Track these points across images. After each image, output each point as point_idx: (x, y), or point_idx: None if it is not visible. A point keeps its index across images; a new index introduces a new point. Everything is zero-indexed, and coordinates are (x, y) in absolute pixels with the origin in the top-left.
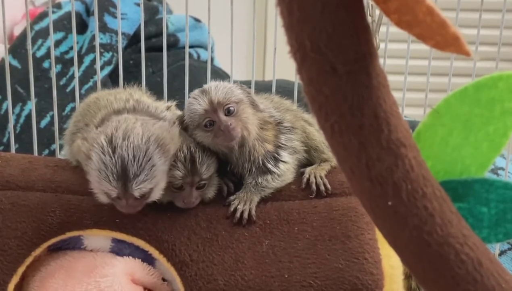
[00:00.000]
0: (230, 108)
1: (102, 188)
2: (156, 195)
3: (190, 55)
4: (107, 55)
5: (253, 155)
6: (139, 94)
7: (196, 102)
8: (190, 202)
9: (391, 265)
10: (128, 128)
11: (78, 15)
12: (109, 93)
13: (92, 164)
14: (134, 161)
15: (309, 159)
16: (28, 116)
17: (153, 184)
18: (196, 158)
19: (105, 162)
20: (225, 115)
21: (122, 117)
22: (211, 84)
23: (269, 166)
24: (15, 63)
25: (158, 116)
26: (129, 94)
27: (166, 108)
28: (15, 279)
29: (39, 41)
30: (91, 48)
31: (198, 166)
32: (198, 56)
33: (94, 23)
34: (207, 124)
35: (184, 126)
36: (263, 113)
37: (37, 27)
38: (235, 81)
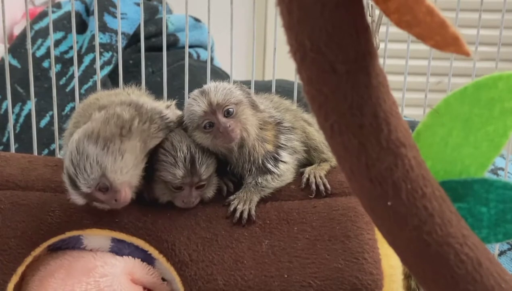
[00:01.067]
0: (229, 109)
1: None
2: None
3: (190, 55)
4: (107, 55)
5: (253, 155)
6: (138, 95)
7: (195, 103)
8: (190, 202)
9: (391, 265)
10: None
11: (78, 14)
12: (108, 94)
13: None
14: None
15: (308, 159)
16: (28, 116)
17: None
18: (195, 158)
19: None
20: (224, 116)
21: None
22: (211, 85)
23: (269, 166)
24: (14, 62)
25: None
26: (127, 95)
27: (165, 107)
28: (14, 279)
29: (39, 41)
30: (90, 48)
31: (197, 166)
32: (198, 56)
33: (93, 23)
34: (206, 126)
35: (183, 127)
36: (263, 114)
37: (36, 27)
38: (235, 81)
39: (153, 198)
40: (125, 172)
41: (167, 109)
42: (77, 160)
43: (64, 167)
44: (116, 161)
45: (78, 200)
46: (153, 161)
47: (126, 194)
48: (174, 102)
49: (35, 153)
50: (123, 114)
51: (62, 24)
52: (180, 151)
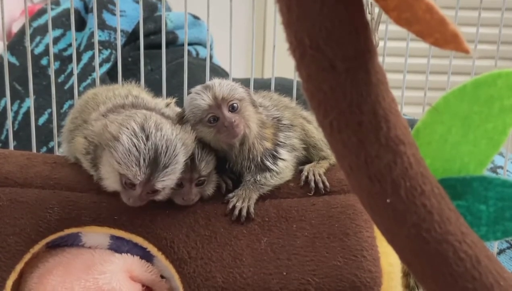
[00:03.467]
0: (234, 104)
1: (126, 171)
2: (164, 194)
3: (189, 53)
4: (106, 53)
5: (252, 152)
6: (138, 91)
7: (199, 97)
8: (190, 199)
9: (390, 262)
10: (158, 121)
11: (77, 12)
12: (107, 89)
13: (120, 146)
14: (166, 152)
15: (307, 156)
16: (26, 114)
17: (173, 181)
18: (195, 154)
19: (138, 146)
20: (229, 111)
21: (144, 111)
22: (214, 81)
23: (268, 163)
24: (13, 60)
25: (159, 112)
26: (128, 90)
27: (165, 105)
28: (13, 276)
29: (37, 38)
30: (89, 45)
31: (197, 162)
32: (197, 54)
33: (92, 20)
34: (211, 120)
35: (183, 122)
36: (261, 115)
37: (35, 24)
38: (234, 79)
39: None
40: (169, 189)
41: (167, 107)
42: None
43: (151, 144)
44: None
45: (114, 184)
46: None
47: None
48: (174, 100)
49: (34, 150)
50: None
51: (60, 21)
52: None
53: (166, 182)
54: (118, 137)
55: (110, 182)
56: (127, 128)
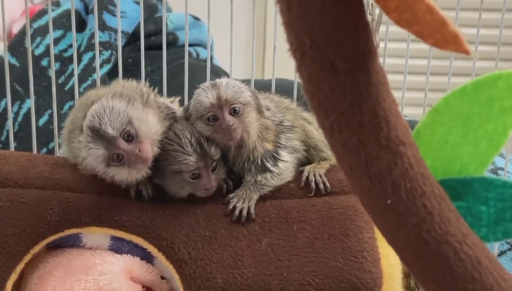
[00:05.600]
0: (236, 108)
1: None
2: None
3: (189, 54)
4: (106, 54)
5: (252, 154)
6: None
7: (204, 94)
8: (212, 187)
9: (390, 263)
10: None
11: (77, 13)
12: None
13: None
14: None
15: (308, 157)
16: (26, 115)
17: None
18: (202, 141)
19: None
20: (230, 114)
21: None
22: (223, 80)
23: (268, 165)
24: (13, 61)
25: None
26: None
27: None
28: (13, 277)
29: (38, 39)
30: (89, 46)
31: (207, 148)
32: (197, 55)
33: (92, 21)
34: (210, 119)
35: (187, 115)
36: (266, 120)
37: (35, 25)
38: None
39: (158, 196)
40: (149, 127)
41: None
42: (102, 111)
43: (85, 126)
44: (141, 115)
45: (99, 152)
46: (160, 159)
47: (149, 149)
48: (177, 98)
49: (34, 151)
50: (140, 86)
51: (61, 22)
52: (184, 137)
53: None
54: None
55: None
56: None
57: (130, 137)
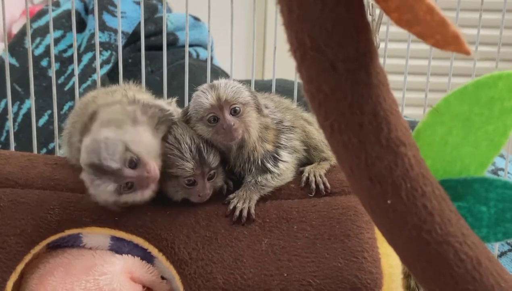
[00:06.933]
0: (236, 108)
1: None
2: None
3: (189, 54)
4: (106, 54)
5: (252, 155)
6: (135, 91)
7: (203, 95)
8: (206, 194)
9: (390, 264)
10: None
11: (77, 13)
12: (105, 92)
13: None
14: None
15: (308, 157)
16: (26, 115)
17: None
18: (201, 148)
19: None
20: (230, 114)
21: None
22: (221, 81)
23: (269, 165)
24: (13, 61)
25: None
26: (124, 91)
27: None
28: (14, 277)
29: (37, 40)
30: (89, 47)
31: (205, 156)
32: (197, 55)
33: (92, 22)
34: (211, 120)
35: (187, 118)
36: (266, 119)
37: (35, 25)
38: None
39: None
40: (147, 146)
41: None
42: (97, 146)
43: (84, 165)
44: (134, 136)
45: (108, 186)
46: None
47: (155, 167)
48: (174, 99)
49: (35, 151)
50: (125, 107)
51: (60, 22)
52: (184, 143)
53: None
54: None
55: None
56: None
57: (133, 164)
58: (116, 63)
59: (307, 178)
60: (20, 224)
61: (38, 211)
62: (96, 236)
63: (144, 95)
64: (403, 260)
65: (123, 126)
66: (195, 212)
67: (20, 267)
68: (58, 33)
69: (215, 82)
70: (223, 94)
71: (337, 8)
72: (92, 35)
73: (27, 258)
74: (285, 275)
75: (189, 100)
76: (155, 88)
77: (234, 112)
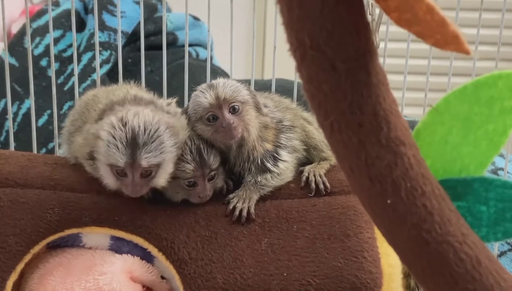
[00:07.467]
0: (235, 106)
1: (110, 160)
2: (161, 179)
3: (189, 54)
4: (105, 54)
5: (252, 154)
6: (136, 90)
7: (202, 95)
8: (206, 195)
9: (390, 263)
10: (138, 110)
11: (76, 13)
12: (106, 90)
13: (101, 143)
14: (144, 132)
15: (308, 157)
16: (26, 115)
17: (161, 159)
18: (202, 149)
19: (115, 134)
20: (229, 112)
21: (128, 107)
22: (219, 81)
23: (268, 165)
24: (12, 61)
25: (162, 108)
26: (126, 90)
27: (166, 104)
28: (13, 277)
29: (37, 39)
30: (89, 47)
31: (205, 157)
32: (197, 55)
33: (92, 21)
34: (210, 119)
35: (186, 118)
36: (265, 118)
37: (34, 25)
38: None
39: (159, 198)
40: (166, 173)
41: (168, 106)
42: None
43: (128, 128)
44: (170, 164)
45: (111, 180)
46: None
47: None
48: (174, 100)
49: (34, 151)
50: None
51: (60, 22)
52: (184, 144)
53: (151, 158)
54: (99, 135)
55: (108, 180)
56: (107, 124)
57: (146, 177)
58: (116, 63)
59: (307, 178)
60: (19, 223)
61: (37, 210)
62: (96, 235)
63: (144, 94)
64: (403, 259)
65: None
66: (194, 212)
67: (20, 267)
68: (58, 32)
69: (213, 81)
70: (222, 93)
71: (337, 8)
72: (92, 35)
73: (27, 257)
74: (285, 274)
75: (189, 100)
76: (154, 88)
77: (233, 111)
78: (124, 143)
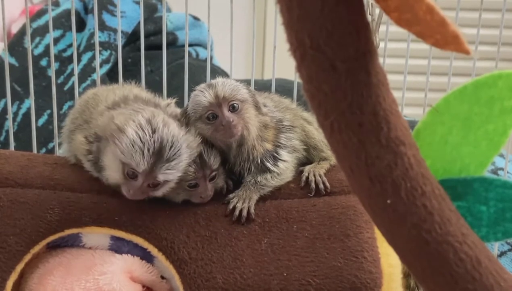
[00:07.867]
0: (235, 105)
1: (129, 160)
2: (163, 191)
3: (189, 54)
4: (105, 54)
5: (252, 154)
6: (138, 90)
7: (201, 94)
8: (207, 196)
9: (390, 263)
10: (165, 119)
11: (76, 13)
12: (107, 89)
13: (125, 137)
14: (171, 147)
15: (308, 157)
16: (25, 115)
17: (175, 177)
18: (202, 150)
19: (143, 137)
20: (229, 111)
21: (152, 109)
22: (218, 80)
23: (268, 165)
24: (12, 61)
25: (163, 108)
26: (128, 90)
27: (165, 105)
28: (13, 277)
29: (37, 39)
30: (89, 46)
31: (206, 158)
32: (197, 55)
33: (92, 21)
34: (210, 117)
35: (185, 118)
36: (265, 117)
37: (34, 25)
38: (236, 80)
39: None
40: (170, 186)
41: (167, 107)
42: None
43: (157, 136)
44: (176, 180)
45: (117, 175)
46: None
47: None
48: (174, 100)
49: (34, 151)
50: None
51: (60, 22)
52: None
53: (168, 175)
54: (124, 129)
55: (112, 172)
56: (134, 121)
57: (154, 187)
58: (116, 63)
59: (307, 178)
60: (19, 223)
61: (37, 210)
62: (96, 235)
63: (145, 94)
64: (403, 259)
65: None
66: (194, 212)
67: (19, 267)
68: (58, 32)
69: (212, 81)
70: (221, 92)
71: (337, 7)
72: (92, 35)
73: (27, 257)
74: (285, 274)
75: (189, 100)
76: (154, 88)
77: (233, 109)
78: (150, 151)
